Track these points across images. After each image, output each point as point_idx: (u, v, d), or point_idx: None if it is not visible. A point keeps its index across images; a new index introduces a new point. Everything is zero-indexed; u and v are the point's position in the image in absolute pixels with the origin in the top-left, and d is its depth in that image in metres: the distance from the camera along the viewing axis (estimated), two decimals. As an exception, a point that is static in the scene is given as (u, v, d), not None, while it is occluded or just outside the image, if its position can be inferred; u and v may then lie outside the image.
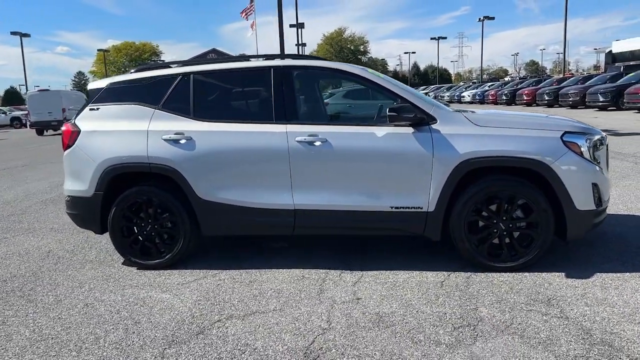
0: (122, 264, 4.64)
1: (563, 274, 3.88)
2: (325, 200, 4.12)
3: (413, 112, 3.94)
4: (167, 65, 4.71)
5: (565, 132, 3.91)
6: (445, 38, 69.15)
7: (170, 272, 4.33)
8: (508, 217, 3.95)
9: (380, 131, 4.03)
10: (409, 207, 4.02)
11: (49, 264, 4.77)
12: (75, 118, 4.57)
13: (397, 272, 4.07)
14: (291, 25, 45.56)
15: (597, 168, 3.92)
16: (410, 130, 3.99)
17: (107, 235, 4.60)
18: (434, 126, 3.98)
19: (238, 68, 4.50)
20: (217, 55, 72.59)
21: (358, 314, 3.37)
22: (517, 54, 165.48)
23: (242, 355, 2.93)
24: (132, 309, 3.63)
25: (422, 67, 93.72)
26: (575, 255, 4.26)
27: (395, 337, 3.05)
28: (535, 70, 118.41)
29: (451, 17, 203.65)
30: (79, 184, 4.46)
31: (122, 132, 4.37)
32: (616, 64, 51.88)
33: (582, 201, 3.85)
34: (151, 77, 4.52)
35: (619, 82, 22.62)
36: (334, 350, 2.92)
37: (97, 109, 4.50)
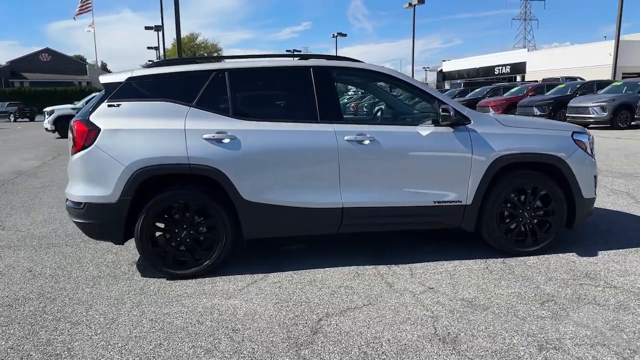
0: (143, 275, 4.21)
1: (574, 254, 4.50)
2: (372, 198, 4.24)
3: (459, 113, 4.27)
4: (191, 60, 4.41)
5: (574, 132, 4.56)
6: (299, 51, 71.13)
7: (207, 280, 4.06)
8: (531, 207, 4.46)
9: (424, 131, 4.28)
10: (450, 202, 4.33)
11: (57, 282, 4.13)
12: (89, 115, 4.05)
13: (440, 263, 4.34)
14: (146, 28, 43.51)
15: (595, 161, 4.64)
16: (450, 130, 4.31)
17: (99, 246, 4.14)
18: (469, 126, 4.35)
19: (276, 67, 4.40)
20: (51, 55, 65.86)
21: (447, 301, 3.56)
22: None
23: (383, 346, 2.95)
24: (215, 318, 3.38)
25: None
26: (565, 240, 4.91)
27: (501, 317, 3.31)
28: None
29: (294, 31, 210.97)
30: (99, 189, 3.97)
31: (155, 131, 4.00)
32: (446, 81, 58.83)
33: (588, 190, 4.52)
34: (180, 73, 4.20)
35: (467, 96, 25.72)
36: (462, 334, 3.08)
37: (118, 105, 4.05)
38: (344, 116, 4.44)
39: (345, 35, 49.78)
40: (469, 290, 3.75)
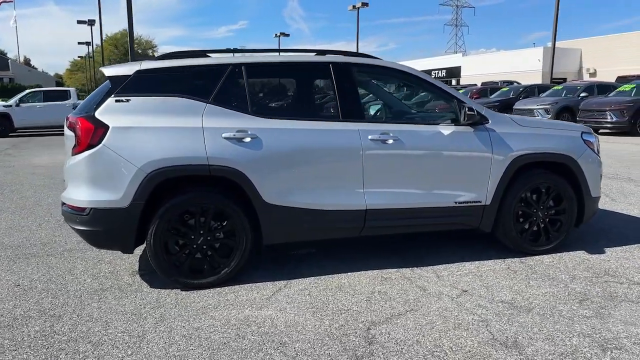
0: (152, 286, 3.87)
1: (583, 252, 4.58)
2: (395, 199, 4.12)
3: (480, 113, 4.23)
4: (202, 53, 4.09)
5: (583, 132, 4.65)
6: (239, 50, 69.84)
7: (228, 290, 3.78)
8: (545, 206, 4.50)
9: (446, 130, 4.21)
10: (470, 202, 4.28)
11: (56, 297, 3.69)
12: (94, 111, 3.65)
13: (461, 264, 4.28)
14: (79, 22, 41.35)
15: (601, 161, 4.75)
16: (471, 129, 4.26)
17: (87, 255, 3.79)
18: (488, 126, 4.32)
19: (295, 62, 4.17)
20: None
21: (488, 304, 3.49)
22: None
23: (448, 354, 2.83)
24: (255, 331, 3.12)
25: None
26: (568, 238, 5.00)
27: (548, 318, 3.28)
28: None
29: (230, 30, 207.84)
30: (108, 193, 3.59)
31: (170, 130, 3.67)
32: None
33: (595, 189, 4.63)
34: (194, 67, 3.89)
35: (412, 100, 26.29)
36: (520, 338, 3.01)
37: (127, 100, 3.69)
38: (368, 115, 4.25)
39: (288, 35, 49.57)
40: (503, 291, 3.70)
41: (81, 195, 3.64)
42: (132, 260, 4.49)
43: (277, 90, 4.32)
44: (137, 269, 4.27)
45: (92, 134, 3.57)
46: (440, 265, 4.25)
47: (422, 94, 18.05)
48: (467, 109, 4.11)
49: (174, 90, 3.81)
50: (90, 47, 51.05)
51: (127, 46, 68.58)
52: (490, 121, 4.33)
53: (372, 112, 4.91)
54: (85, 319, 3.34)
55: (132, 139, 3.61)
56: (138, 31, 70.12)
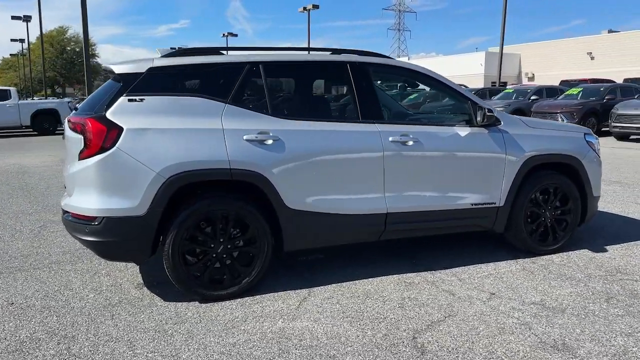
0: (165, 300, 3.60)
1: (585, 250, 4.67)
2: (415, 202, 4.04)
3: (495, 114, 4.23)
4: (215, 50, 3.85)
5: (585, 133, 4.75)
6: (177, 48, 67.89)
7: (249, 300, 3.58)
8: (552, 206, 4.56)
9: (463, 131, 4.18)
10: (485, 203, 4.27)
11: (61, 316, 3.36)
12: (105, 111, 3.35)
13: (477, 266, 4.26)
14: (13, 17, 39.09)
15: (601, 162, 4.88)
16: (485, 130, 4.25)
17: (77, 267, 3.51)
18: (500, 127, 4.33)
19: (312, 61, 4.00)
20: None
21: (521, 306, 3.47)
22: None
23: (510, 356, 2.77)
24: (298, 345, 2.95)
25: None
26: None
27: (584, 318, 3.29)
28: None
29: (171, 29, 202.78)
30: (122, 200, 3.31)
31: (189, 131, 3.43)
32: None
33: (596, 189, 4.74)
34: (211, 64, 3.65)
35: None
36: (567, 340, 3.00)
37: (141, 100, 3.41)
38: (387, 116, 4.14)
39: (236, 35, 48.85)
40: (530, 293, 3.70)
41: (91, 203, 3.33)
42: (132, 271, 4.19)
43: (295, 90, 4.15)
44: (141, 281, 3.98)
45: (105, 136, 3.27)
46: (457, 268, 4.20)
47: (413, 96, 18.18)
48: (486, 110, 4.09)
49: (189, 90, 3.58)
50: (24, 44, 48.21)
51: (63, 44, 65.50)
52: (502, 122, 4.34)
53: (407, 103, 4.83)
54: (104, 338, 3.05)
55: (148, 142, 3.34)
56: (75, 29, 66.84)
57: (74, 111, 3.88)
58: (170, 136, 3.38)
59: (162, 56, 3.68)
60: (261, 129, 3.58)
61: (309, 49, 4.15)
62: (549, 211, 4.54)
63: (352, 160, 3.82)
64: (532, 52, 47.76)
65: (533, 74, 47.20)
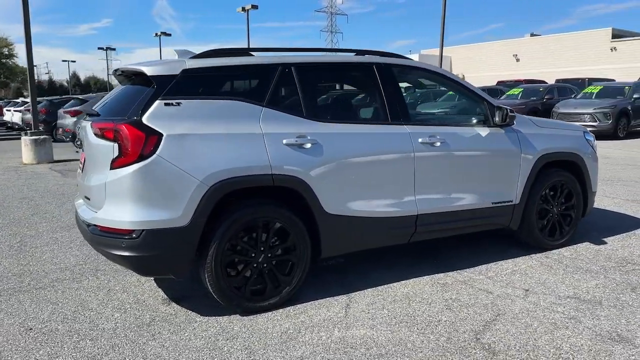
0: (202, 314, 3.40)
1: (587, 243, 4.89)
2: (443, 203, 4.06)
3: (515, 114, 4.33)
4: (245, 51, 3.68)
5: (584, 132, 4.97)
6: (114, 49, 64.92)
7: (292, 311, 3.46)
8: (559, 202, 4.74)
9: (483, 131, 4.25)
10: (504, 202, 4.36)
11: (95, 340, 3.07)
12: (140, 116, 3.11)
13: (497, 264, 4.34)
14: None
15: (598, 158, 5.12)
16: (502, 130, 4.34)
17: (82, 285, 3.31)
18: (514, 127, 4.44)
19: (341, 62, 3.93)
20: None
21: (559, 300, 3.56)
22: None
23: (576, 354, 2.82)
24: (368, 355, 2.87)
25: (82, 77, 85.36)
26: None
27: (621, 309, 3.42)
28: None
29: (93, 27, 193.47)
30: (164, 211, 3.09)
31: (230, 136, 3.26)
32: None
33: (595, 184, 4.98)
34: (246, 66, 3.49)
35: None
36: (622, 331, 3.10)
37: (178, 104, 3.20)
38: (413, 117, 4.13)
39: (169, 35, 47.26)
40: (560, 287, 3.81)
41: (127, 215, 3.08)
42: (147, 286, 3.94)
43: (327, 92, 4.05)
44: (164, 296, 3.74)
45: (144, 143, 3.04)
46: (480, 267, 4.27)
47: (408, 97, 17.85)
48: (508, 110, 4.18)
49: (224, 93, 3.41)
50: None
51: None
52: (515, 122, 4.45)
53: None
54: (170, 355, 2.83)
55: (189, 148, 3.14)
56: (-11, 28, 61.85)
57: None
58: (212, 142, 3.20)
59: (191, 58, 3.47)
60: (299, 132, 3.46)
61: (331, 50, 4.06)
62: (556, 207, 4.71)
63: (386, 163, 3.78)
64: (462, 54, 49.76)
65: (464, 75, 49.15)
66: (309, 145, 3.46)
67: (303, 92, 3.61)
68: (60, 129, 14.47)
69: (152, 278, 4.10)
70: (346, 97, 4.27)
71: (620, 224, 5.57)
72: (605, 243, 4.88)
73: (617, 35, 42.74)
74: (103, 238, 3.19)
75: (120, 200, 3.10)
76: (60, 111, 14.49)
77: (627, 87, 15.56)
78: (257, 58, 3.59)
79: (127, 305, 3.60)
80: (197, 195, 3.11)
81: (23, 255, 4.82)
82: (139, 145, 3.03)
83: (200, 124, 3.21)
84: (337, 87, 4.20)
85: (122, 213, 3.09)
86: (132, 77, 3.64)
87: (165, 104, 3.16)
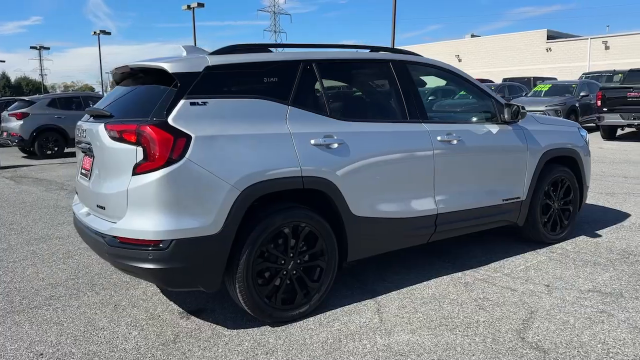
0: (229, 327, 3.20)
1: (583, 237, 5.02)
2: (460, 201, 4.03)
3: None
4: (264, 47, 3.48)
5: (578, 127, 5.09)
6: (48, 48, 61.40)
7: (324, 319, 3.31)
8: (559, 198, 4.83)
9: (494, 128, 4.25)
10: (513, 198, 4.39)
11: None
12: (166, 117, 2.87)
13: (508, 260, 4.36)
14: None
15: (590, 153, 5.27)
16: (510, 127, 4.37)
17: (81, 302, 3.12)
18: (519, 123, 4.47)
19: (360, 59, 3.80)
20: None
21: (581, 294, 3.60)
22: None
23: (624, 348, 2.84)
24: (422, 361, 2.78)
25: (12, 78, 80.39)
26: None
27: (637, 302, 3.52)
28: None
29: (21, 25, 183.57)
30: (193, 219, 2.86)
31: (260, 137, 3.07)
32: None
33: (588, 179, 5.12)
34: (269, 62, 3.30)
35: None
36: (652, 321, 3.17)
37: (203, 103, 2.98)
38: (430, 115, 4.05)
39: (109, 33, 45.45)
40: (578, 281, 3.86)
41: (154, 224, 2.83)
42: (156, 299, 3.68)
43: (347, 90, 3.90)
44: (179, 310, 3.50)
45: (172, 146, 2.80)
46: (493, 264, 4.27)
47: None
48: (520, 107, 4.20)
49: (248, 91, 3.20)
50: None
51: None
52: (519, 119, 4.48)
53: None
54: (198, 382, 2.61)
55: (219, 151, 2.93)
56: None
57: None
58: (242, 143, 3.00)
59: (210, 54, 3.25)
60: (326, 132, 3.32)
61: (346, 46, 3.92)
62: (557, 202, 4.80)
63: (408, 162, 3.70)
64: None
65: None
66: (335, 146, 3.32)
67: (325, 89, 3.47)
68: (5, 133, 13.53)
69: (158, 290, 3.84)
70: (366, 95, 4.16)
71: (605, 216, 5.75)
72: (600, 236, 5.01)
73: (551, 36, 44.92)
74: (124, 250, 2.91)
75: (146, 208, 2.84)
76: (5, 113, 13.54)
77: (574, 85, 16.31)
78: (279, 54, 3.42)
79: (141, 322, 3.33)
80: (228, 201, 2.91)
81: (3, 271, 4.40)
82: (167, 148, 2.79)
83: (228, 124, 3.00)
84: (360, 84, 4.07)
85: (148, 222, 2.83)
86: (140, 75, 3.37)
87: (191, 104, 2.93)
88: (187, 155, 2.82)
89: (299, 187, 3.16)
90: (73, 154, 13.84)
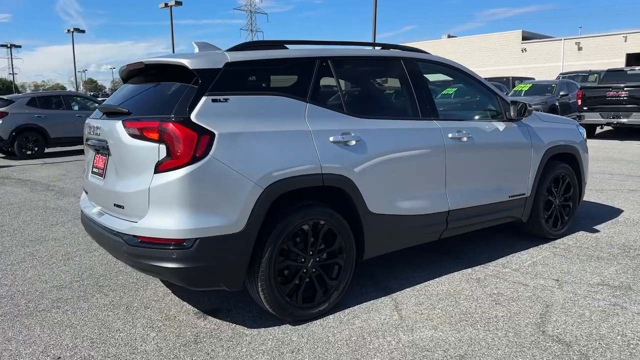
0: (248, 326, 3.16)
1: (581, 232, 5.11)
2: (470, 198, 4.06)
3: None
4: (280, 44, 3.44)
5: (576, 125, 5.18)
6: (19, 47, 59.68)
7: (344, 317, 3.30)
8: (560, 194, 4.91)
9: (500, 126, 4.30)
10: (519, 194, 4.45)
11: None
12: (188, 113, 2.82)
13: (515, 256, 4.42)
14: None
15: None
16: (515, 124, 4.42)
17: (88, 304, 3.08)
18: (523, 121, 4.54)
19: (373, 57, 3.80)
20: None
21: (591, 288, 3.66)
22: (85, 71, 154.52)
23: (645, 342, 2.91)
24: (446, 356, 2.78)
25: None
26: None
27: (653, 292, 3.60)
28: (95, 87, 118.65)
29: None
30: (217, 217, 2.82)
31: (280, 135, 3.04)
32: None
33: (586, 175, 5.22)
34: (286, 59, 3.28)
35: None
36: (664, 313, 3.25)
37: (225, 100, 2.94)
38: (440, 112, 4.07)
39: (83, 31, 44.56)
40: (585, 275, 3.93)
41: (178, 223, 2.78)
42: (168, 300, 3.62)
43: (364, 87, 3.89)
44: (194, 309, 3.46)
45: (196, 143, 2.76)
46: (500, 260, 4.32)
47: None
48: (527, 105, 4.26)
49: (267, 87, 3.18)
50: None
51: None
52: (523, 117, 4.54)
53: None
54: (227, 382, 2.58)
55: (242, 148, 2.89)
56: None
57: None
58: (264, 140, 2.97)
59: (227, 50, 3.21)
60: (343, 129, 3.31)
61: (356, 43, 3.91)
62: (558, 198, 4.88)
63: (422, 159, 3.71)
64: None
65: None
66: (353, 143, 3.31)
67: (341, 87, 3.46)
68: (-17, 133, 13.11)
69: (170, 291, 3.78)
70: (380, 92, 4.17)
71: (599, 212, 5.87)
72: (598, 231, 5.11)
73: (526, 37, 45.77)
74: (145, 249, 2.85)
75: (169, 206, 2.78)
76: (-18, 113, 13.12)
77: (553, 85, 16.62)
78: (296, 51, 3.39)
79: (157, 323, 3.27)
80: (252, 199, 2.87)
81: (2, 274, 4.27)
82: (191, 145, 2.74)
83: (250, 121, 2.97)
84: (375, 82, 4.08)
85: (171, 221, 2.78)
86: (153, 71, 3.31)
87: (213, 100, 2.89)
88: (210, 153, 2.78)
89: (318, 185, 3.14)
90: (54, 154, 13.54)
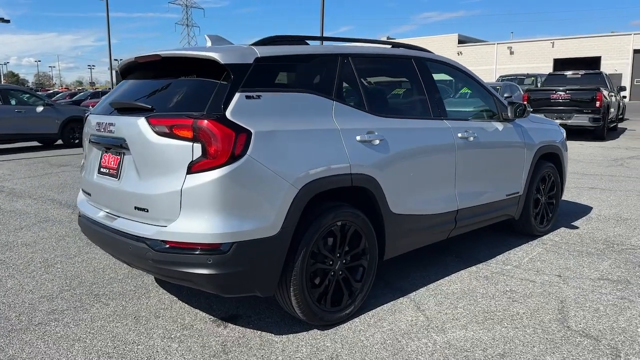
0: (275, 332, 3.04)
1: (563, 229, 5.33)
2: (476, 197, 4.12)
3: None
4: (301, 39, 3.32)
5: (558, 125, 5.39)
6: None
7: (369, 319, 3.24)
8: (545, 192, 5.09)
9: (500, 126, 4.39)
10: (515, 193, 4.56)
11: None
12: (222, 110, 2.65)
13: (511, 252, 4.52)
14: None
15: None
16: (510, 125, 4.53)
17: (103, 313, 2.96)
18: (516, 121, 4.66)
19: (388, 55, 3.74)
20: None
21: (593, 283, 3.81)
22: (7, 63, 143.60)
23: (663, 334, 3.04)
24: (484, 356, 2.79)
25: None
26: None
27: (651, 285, 3.79)
28: (17, 82, 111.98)
29: None
30: (253, 220, 2.68)
31: (313, 133, 2.94)
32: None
33: (566, 174, 5.44)
34: (311, 56, 3.17)
35: (74, 98, 28.46)
36: (669, 305, 3.43)
37: (258, 97, 2.79)
38: (447, 111, 4.09)
39: (8, 21, 41.61)
40: (584, 270, 4.07)
41: (213, 226, 2.61)
42: (177, 307, 3.43)
43: (382, 85, 3.82)
44: (210, 317, 3.28)
45: (234, 142, 2.60)
46: (499, 257, 4.41)
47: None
48: (526, 106, 4.36)
49: (295, 84, 3.09)
50: None
51: None
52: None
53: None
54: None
55: (278, 147, 2.76)
56: None
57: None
58: (297, 139, 2.85)
59: (252, 44, 3.05)
60: (368, 127, 3.25)
61: (369, 41, 3.86)
62: (544, 196, 5.05)
63: (437, 159, 3.73)
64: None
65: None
66: (377, 142, 3.26)
67: (362, 85, 3.40)
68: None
69: (176, 299, 3.57)
70: (397, 91, 4.13)
71: (572, 209, 6.14)
72: (577, 227, 5.34)
73: (462, 41, 47.58)
74: (175, 255, 2.66)
75: (204, 209, 2.61)
76: None
77: (498, 87, 17.28)
78: (320, 47, 3.29)
79: (176, 333, 3.07)
80: (287, 200, 2.75)
81: (-24, 285, 3.88)
82: (229, 144, 2.58)
83: (283, 119, 2.84)
84: (387, 80, 4.03)
85: (207, 224, 2.61)
86: (169, 66, 3.10)
87: (247, 97, 2.74)
88: (248, 152, 2.63)
89: (347, 185, 3.06)
90: (-9, 153, 12.56)
